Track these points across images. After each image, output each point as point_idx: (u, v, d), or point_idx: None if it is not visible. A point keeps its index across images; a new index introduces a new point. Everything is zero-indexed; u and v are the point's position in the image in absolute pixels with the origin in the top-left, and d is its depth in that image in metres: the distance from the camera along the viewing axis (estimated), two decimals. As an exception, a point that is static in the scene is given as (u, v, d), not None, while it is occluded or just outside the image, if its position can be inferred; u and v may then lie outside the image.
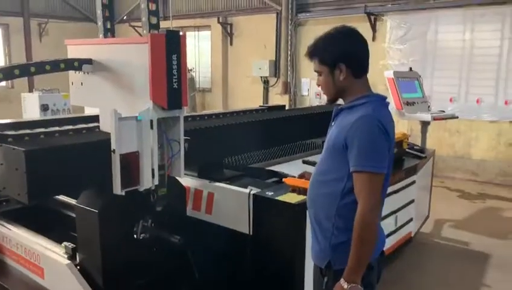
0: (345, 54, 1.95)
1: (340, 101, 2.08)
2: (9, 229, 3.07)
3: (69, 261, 2.61)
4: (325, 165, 2.04)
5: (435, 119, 5.52)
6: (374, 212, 1.85)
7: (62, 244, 2.72)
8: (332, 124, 2.06)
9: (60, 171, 2.38)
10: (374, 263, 2.02)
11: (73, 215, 2.99)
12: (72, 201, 3.21)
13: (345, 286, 1.85)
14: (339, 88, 2.00)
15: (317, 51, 2.01)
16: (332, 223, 1.98)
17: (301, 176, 2.49)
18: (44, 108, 8.63)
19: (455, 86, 8.11)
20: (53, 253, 2.73)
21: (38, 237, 2.92)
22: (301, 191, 2.40)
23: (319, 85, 2.07)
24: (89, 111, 4.29)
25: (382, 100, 2.01)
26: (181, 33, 2.48)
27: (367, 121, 1.86)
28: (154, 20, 2.57)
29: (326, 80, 2.00)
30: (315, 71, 2.06)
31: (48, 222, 3.28)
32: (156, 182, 2.46)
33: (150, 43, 2.32)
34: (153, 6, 2.57)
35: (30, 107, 8.85)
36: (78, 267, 2.59)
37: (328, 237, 2.00)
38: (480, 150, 8.02)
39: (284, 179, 2.66)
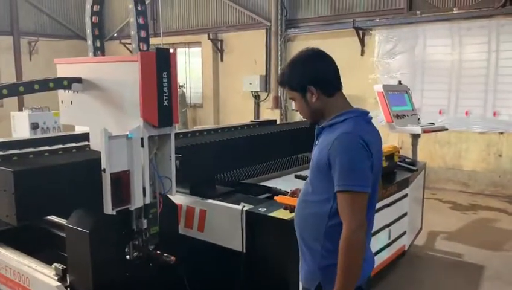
0: (311, 77, 1.95)
1: None
2: (-2, 251, 3.01)
3: (59, 283, 2.55)
4: (311, 185, 2.01)
5: (424, 131, 5.55)
6: (359, 233, 1.80)
7: (52, 266, 2.67)
8: (316, 142, 2.04)
9: (50, 192, 2.34)
10: (363, 286, 1.98)
11: (64, 235, 2.94)
12: (62, 221, 3.17)
13: None
14: (314, 110, 2.00)
15: (285, 79, 2.03)
16: (321, 245, 1.94)
17: (293, 193, 2.48)
18: (34, 126, 8.56)
19: (444, 99, 8.19)
20: (42, 275, 2.67)
21: (28, 259, 2.87)
22: (292, 209, 2.38)
23: (297, 110, 2.08)
24: (79, 129, 4.26)
25: (363, 115, 1.98)
26: (171, 50, 2.48)
27: (347, 138, 1.84)
28: (143, 34, 2.57)
29: (300, 104, 2.02)
30: (290, 98, 2.08)
31: (37, 243, 3.22)
32: (148, 201, 2.43)
33: (140, 61, 2.31)
34: (142, 20, 2.57)
35: (20, 126, 8.78)
36: (69, 289, 2.54)
37: (316, 258, 1.97)
38: (471, 161, 8.09)
39: (275, 198, 2.63)
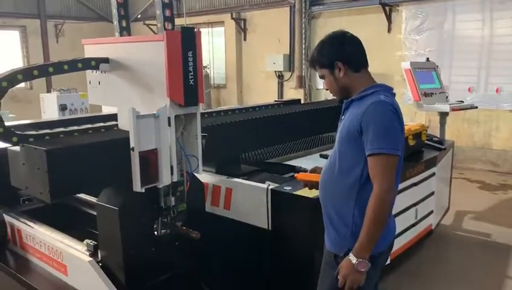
0: (338, 53, 2.08)
1: None
2: (32, 228, 3.12)
3: (91, 259, 2.64)
4: (339, 155, 2.08)
5: (453, 110, 5.44)
6: (389, 194, 1.90)
7: (84, 242, 2.76)
8: (342, 117, 2.14)
9: (81, 170, 2.41)
10: (387, 250, 2.06)
11: (92, 212, 3.03)
12: (91, 199, 3.26)
13: (354, 260, 1.91)
14: (342, 85, 2.11)
15: (315, 59, 2.17)
16: (353, 212, 2.02)
17: (313, 171, 2.49)
18: (62, 108, 8.76)
19: (474, 76, 7.96)
20: (75, 250, 2.76)
21: (61, 235, 2.97)
22: (313, 185, 2.39)
23: (327, 89, 2.21)
24: (106, 110, 4.34)
25: (390, 90, 2.10)
26: (196, 30, 2.48)
27: (380, 106, 1.94)
28: (168, 13, 2.57)
29: (330, 80, 2.13)
30: (320, 77, 2.21)
31: (66, 220, 3.32)
32: (175, 178, 2.47)
33: (166, 40, 2.32)
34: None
35: (49, 107, 8.99)
36: (100, 264, 2.62)
37: (349, 225, 2.04)
38: (501, 140, 7.87)
39: (295, 175, 2.65)
